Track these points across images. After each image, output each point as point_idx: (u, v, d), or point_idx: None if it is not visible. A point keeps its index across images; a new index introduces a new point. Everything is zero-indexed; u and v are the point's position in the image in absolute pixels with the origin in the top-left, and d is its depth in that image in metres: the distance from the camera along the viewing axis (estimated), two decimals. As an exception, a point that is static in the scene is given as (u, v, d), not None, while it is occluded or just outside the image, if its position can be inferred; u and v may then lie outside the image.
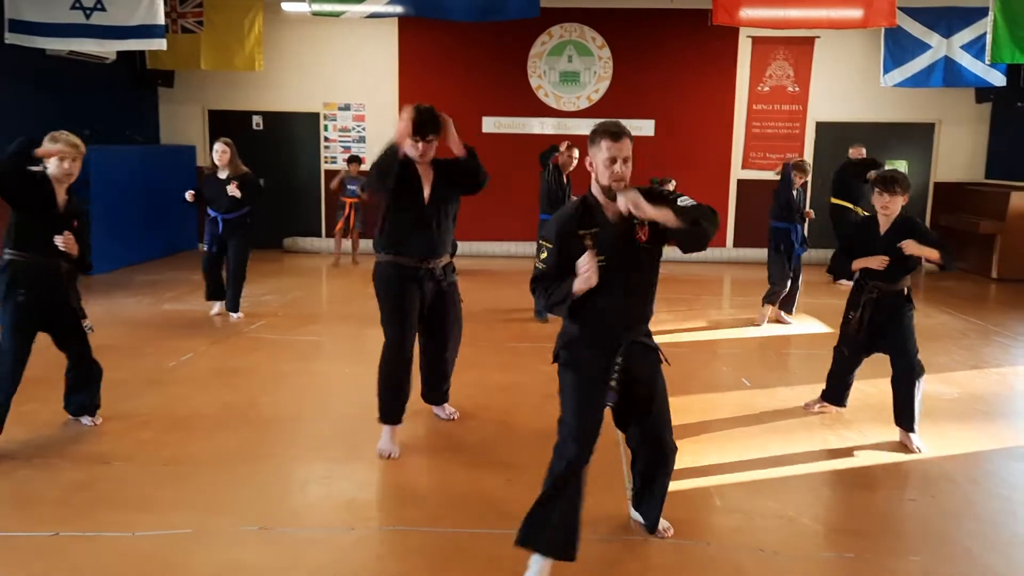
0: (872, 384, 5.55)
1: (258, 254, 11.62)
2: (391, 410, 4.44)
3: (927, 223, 11.92)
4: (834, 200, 10.30)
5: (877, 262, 4.66)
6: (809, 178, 8.04)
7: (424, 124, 4.27)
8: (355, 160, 11.22)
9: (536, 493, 3.09)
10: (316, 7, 7.33)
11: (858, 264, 4.77)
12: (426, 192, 4.40)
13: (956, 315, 8.47)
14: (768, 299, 7.76)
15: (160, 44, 8.14)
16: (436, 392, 4.95)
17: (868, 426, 5.07)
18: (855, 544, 3.61)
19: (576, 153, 7.69)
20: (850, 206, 9.99)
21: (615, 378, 3.12)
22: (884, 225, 4.74)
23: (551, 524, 3.03)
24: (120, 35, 8.10)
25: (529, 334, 7.32)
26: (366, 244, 10.36)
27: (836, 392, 5.20)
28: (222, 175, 7.37)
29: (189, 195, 7.47)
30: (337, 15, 7.28)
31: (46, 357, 4.73)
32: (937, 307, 8.83)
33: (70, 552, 3.36)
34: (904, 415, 4.73)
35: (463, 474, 4.27)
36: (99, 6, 8.01)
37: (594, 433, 3.13)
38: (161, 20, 8.04)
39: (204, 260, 7.68)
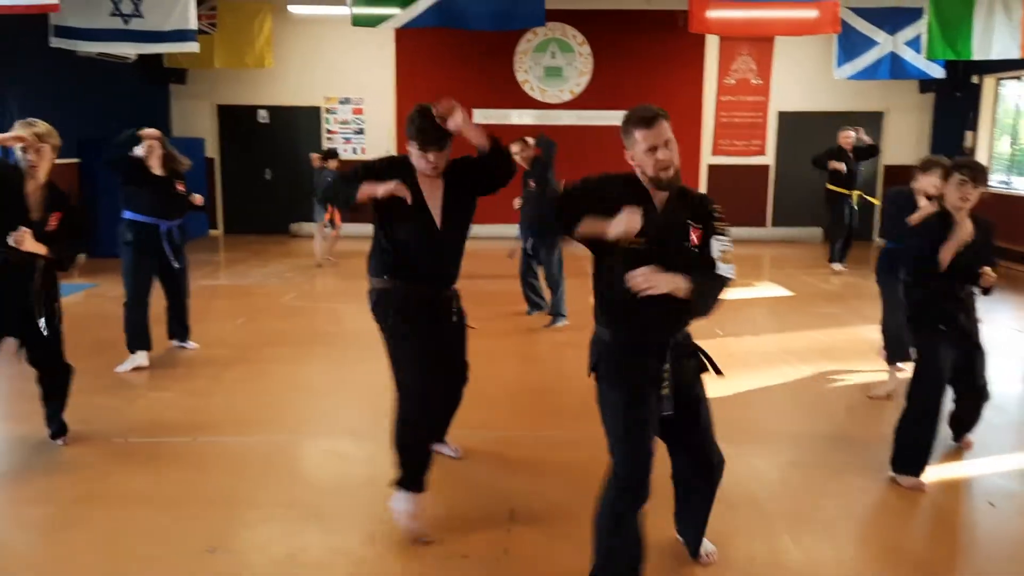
0: (825, 333, 6.71)
1: (267, 238, 12.66)
2: (412, 474, 3.49)
3: (879, 203, 13.18)
4: (829, 186, 10.39)
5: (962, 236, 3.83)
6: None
7: (428, 134, 3.42)
8: (333, 155, 10.31)
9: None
10: (356, 11, 8.18)
11: (947, 252, 3.86)
12: (437, 213, 3.59)
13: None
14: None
15: (193, 47, 9.02)
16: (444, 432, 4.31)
17: (822, 361, 6.21)
18: (802, 433, 4.73)
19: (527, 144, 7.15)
20: (845, 191, 10.22)
21: (666, 385, 2.84)
22: (962, 220, 3.93)
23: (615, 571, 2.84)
24: (156, 39, 8.98)
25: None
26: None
27: (920, 455, 4.03)
28: (158, 172, 5.81)
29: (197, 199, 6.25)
30: (374, 24, 8.23)
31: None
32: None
33: (206, 451, 4.38)
34: (960, 432, 4.49)
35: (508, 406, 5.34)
36: (136, 12, 8.88)
37: (651, 446, 2.84)
38: (194, 25, 8.92)
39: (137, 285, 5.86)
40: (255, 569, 3.19)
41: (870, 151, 10.31)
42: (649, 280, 2.61)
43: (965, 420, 4.43)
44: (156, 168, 5.77)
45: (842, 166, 10.17)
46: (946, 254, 3.86)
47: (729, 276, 2.80)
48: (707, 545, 3.27)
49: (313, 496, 3.84)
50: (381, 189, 3.38)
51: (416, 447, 3.52)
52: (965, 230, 3.87)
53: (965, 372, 4.11)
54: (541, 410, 5.15)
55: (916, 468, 4.00)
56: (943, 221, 3.95)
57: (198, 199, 6.21)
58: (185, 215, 6.14)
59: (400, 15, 7.96)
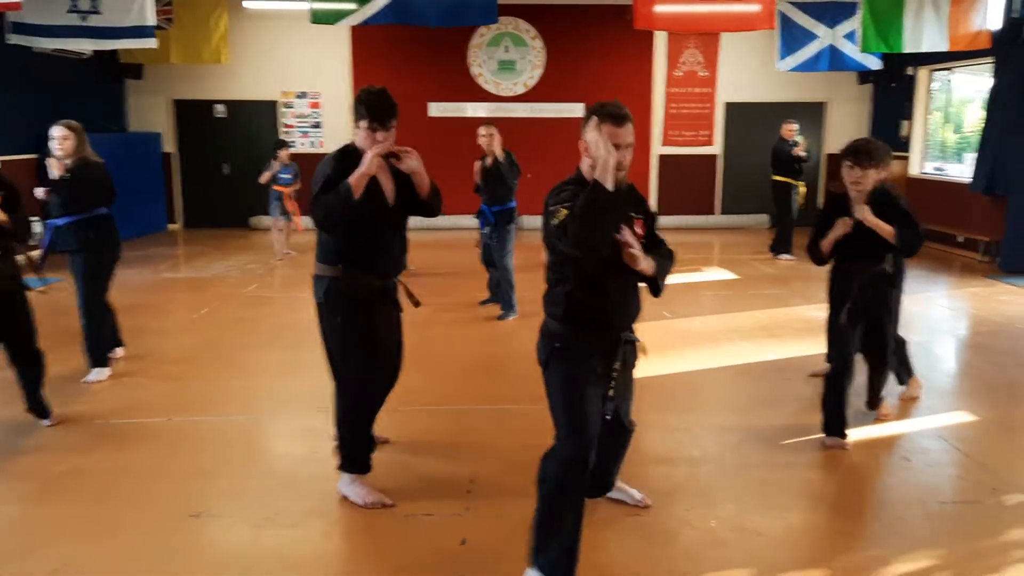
0: (768, 313, 7.12)
1: (226, 232, 12.77)
2: (363, 457, 3.76)
3: (820, 191, 13.69)
4: (775, 177, 10.63)
5: (841, 227, 4.18)
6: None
7: (384, 110, 3.51)
8: (283, 145, 10.30)
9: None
10: (316, 6, 8.34)
11: (825, 243, 4.28)
12: (389, 194, 3.64)
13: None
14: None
15: (151, 43, 9.13)
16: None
17: (764, 339, 6.62)
18: (740, 404, 5.12)
19: (494, 131, 7.16)
20: (791, 181, 10.54)
21: (613, 387, 3.02)
22: (857, 203, 4.18)
23: (551, 547, 2.89)
24: (114, 35, 9.08)
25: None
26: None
27: (837, 419, 4.41)
28: (54, 173, 5.26)
29: (41, 192, 5.44)
30: (332, 22, 8.43)
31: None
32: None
33: (183, 430, 4.63)
34: (872, 399, 4.76)
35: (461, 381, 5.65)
36: (94, 9, 8.98)
37: (596, 429, 2.96)
38: (152, 21, 9.03)
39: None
40: (236, 530, 3.47)
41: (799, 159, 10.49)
42: (638, 253, 2.86)
43: (870, 387, 4.72)
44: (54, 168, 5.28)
45: (803, 155, 10.39)
46: (825, 243, 4.28)
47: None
48: (636, 493, 3.70)
49: (287, 466, 4.13)
50: (368, 164, 3.42)
51: (366, 431, 3.77)
52: (861, 212, 4.12)
53: (871, 343, 4.44)
54: (495, 387, 5.46)
55: (838, 430, 4.41)
56: (841, 205, 4.27)
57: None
58: (63, 214, 5.34)
59: (358, 13, 8.18)
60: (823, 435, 4.44)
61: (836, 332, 4.42)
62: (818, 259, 4.41)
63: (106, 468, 4.08)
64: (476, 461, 4.16)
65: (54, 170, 5.20)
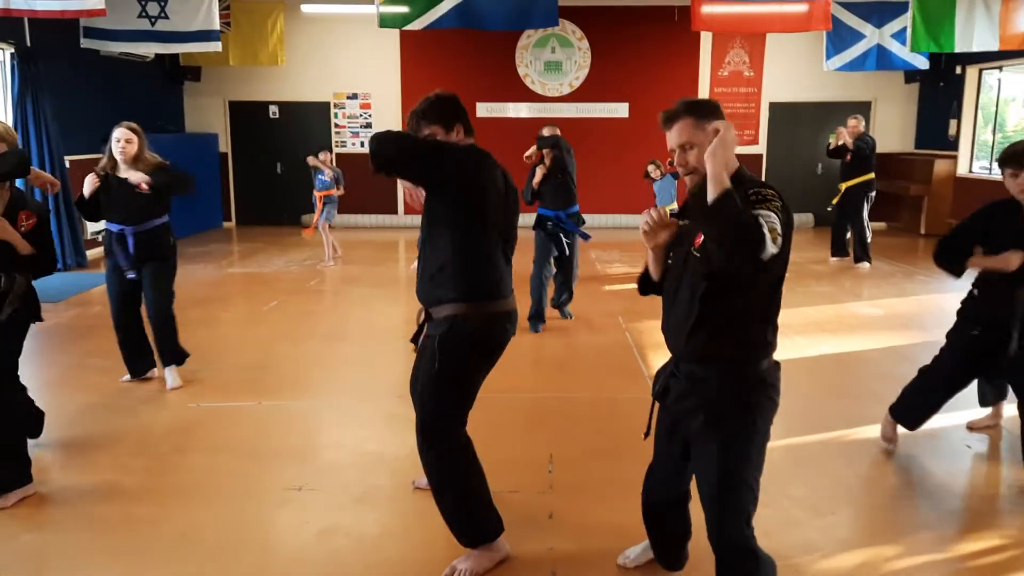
0: (818, 309, 7.26)
1: (279, 230, 13.11)
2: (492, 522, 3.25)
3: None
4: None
5: (1017, 259, 3.55)
6: None
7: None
8: (323, 150, 10.47)
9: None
10: (384, 10, 8.60)
11: (979, 263, 3.73)
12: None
13: (889, 262, 10.25)
14: None
15: (216, 47, 9.49)
16: None
17: (817, 334, 6.76)
18: (798, 396, 5.28)
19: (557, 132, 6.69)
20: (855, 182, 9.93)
21: (649, 423, 2.71)
22: None
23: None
24: (181, 39, 9.46)
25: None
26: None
27: (915, 412, 4.19)
28: (126, 175, 4.97)
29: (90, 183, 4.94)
30: (400, 25, 8.69)
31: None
32: (873, 256, 10.59)
33: (272, 413, 4.90)
34: None
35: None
36: (163, 14, 9.35)
37: (664, 483, 2.82)
38: (217, 25, 9.39)
39: (116, 300, 5.22)
40: (338, 503, 3.71)
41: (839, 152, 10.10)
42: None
43: None
44: (123, 167, 5.00)
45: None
46: (978, 263, 3.76)
47: (767, 240, 2.12)
48: None
49: (375, 447, 4.37)
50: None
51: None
52: None
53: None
54: (562, 376, 5.66)
55: (904, 417, 4.30)
56: (1007, 211, 3.72)
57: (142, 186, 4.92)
58: (148, 218, 5.06)
59: (424, 16, 8.44)
60: (888, 413, 4.32)
61: (956, 343, 4.04)
62: (958, 271, 3.83)
63: (206, 447, 4.35)
64: (554, 445, 4.37)
65: (142, 185, 4.90)
